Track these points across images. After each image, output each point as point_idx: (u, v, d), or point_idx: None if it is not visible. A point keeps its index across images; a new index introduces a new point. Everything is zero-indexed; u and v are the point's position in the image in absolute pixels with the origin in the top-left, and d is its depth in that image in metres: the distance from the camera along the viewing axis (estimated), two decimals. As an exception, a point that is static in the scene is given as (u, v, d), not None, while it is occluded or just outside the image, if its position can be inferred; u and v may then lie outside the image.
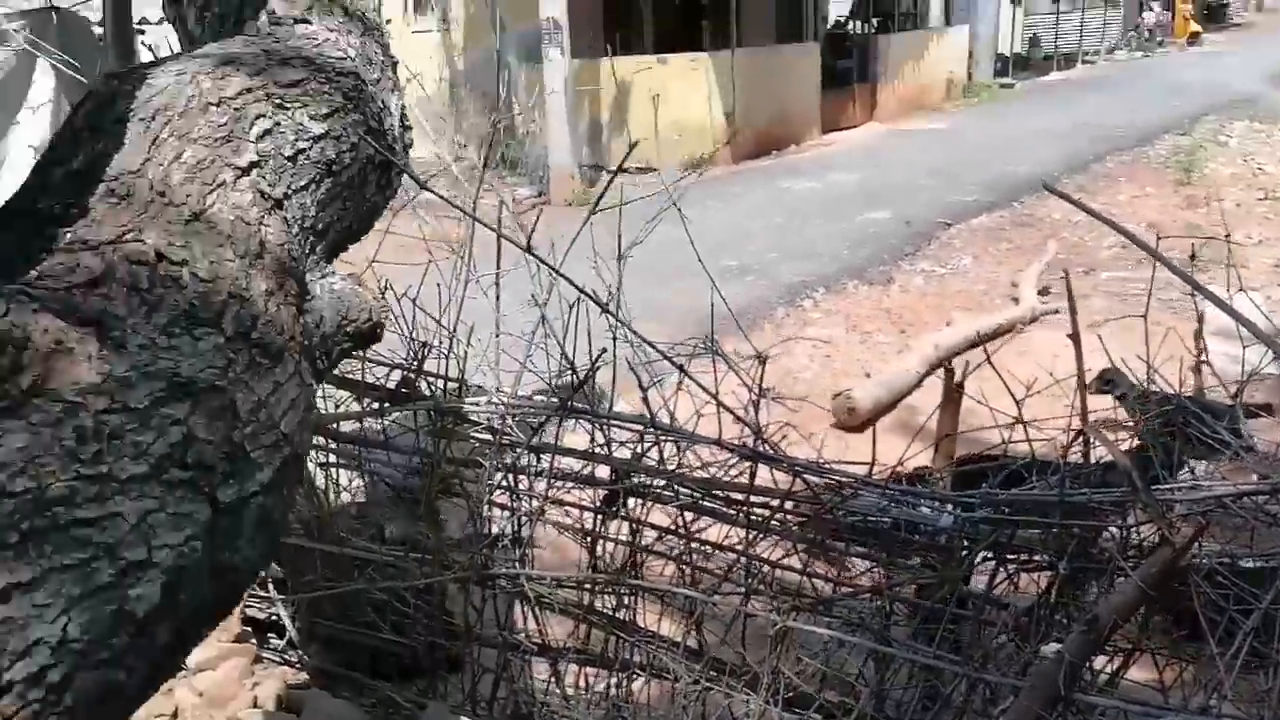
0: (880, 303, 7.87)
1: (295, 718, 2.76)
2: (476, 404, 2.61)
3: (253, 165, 1.59)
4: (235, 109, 1.64)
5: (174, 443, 1.17)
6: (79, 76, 5.39)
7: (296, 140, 1.72)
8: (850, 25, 20.69)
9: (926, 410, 3.74)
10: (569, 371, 2.56)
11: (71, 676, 1.00)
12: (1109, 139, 14.23)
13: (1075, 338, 2.21)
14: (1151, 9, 31.25)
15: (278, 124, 1.70)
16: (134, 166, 1.45)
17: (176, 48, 2.29)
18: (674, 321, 4.89)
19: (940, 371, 4.50)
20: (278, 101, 1.73)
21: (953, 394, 2.92)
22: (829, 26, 20.89)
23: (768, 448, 2.39)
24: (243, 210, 1.51)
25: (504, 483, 2.71)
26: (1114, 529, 2.26)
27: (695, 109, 14.58)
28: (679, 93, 14.49)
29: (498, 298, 2.73)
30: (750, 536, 2.55)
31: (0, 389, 1.06)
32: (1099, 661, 2.18)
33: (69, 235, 1.33)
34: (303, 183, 1.71)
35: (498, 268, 2.69)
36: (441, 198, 2.37)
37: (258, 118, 1.66)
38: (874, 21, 20.24)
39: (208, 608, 1.21)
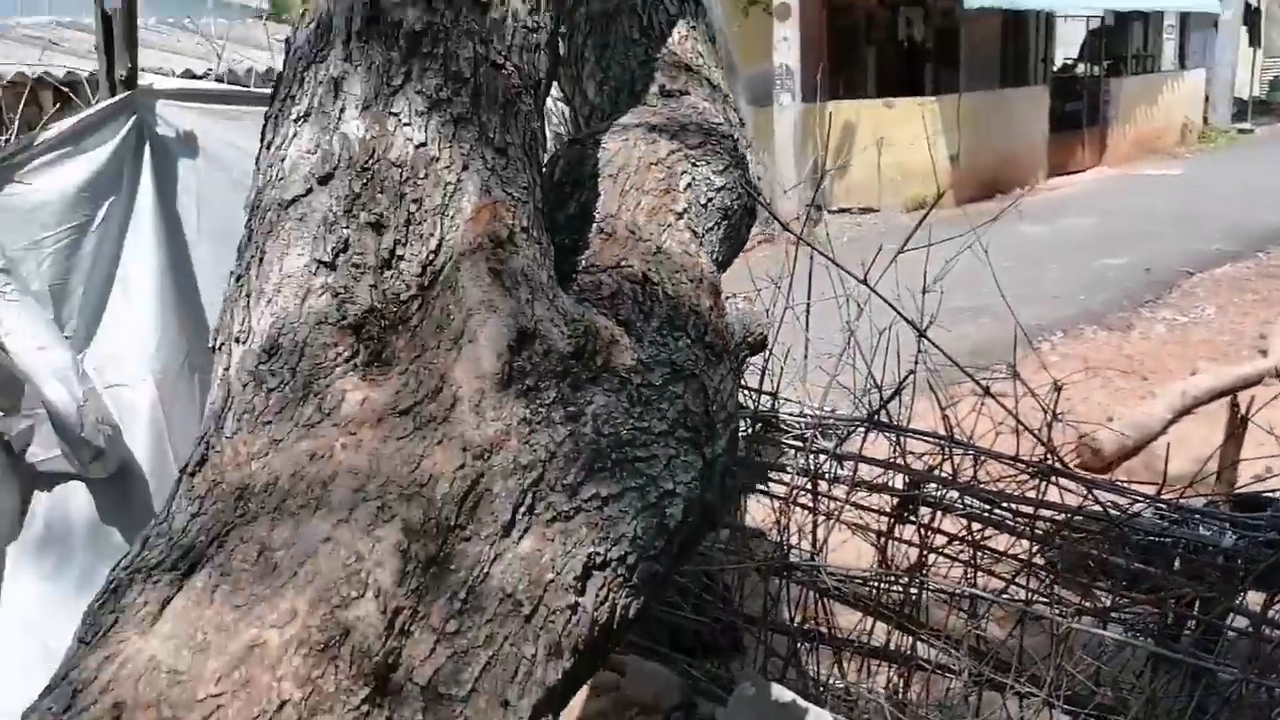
0: (1120, 349, 7.84)
1: (619, 676, 3.22)
2: (790, 415, 3.01)
3: (685, 211, 2.06)
4: (668, 167, 2.12)
5: (679, 411, 1.62)
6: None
7: (707, 190, 2.18)
8: (1078, 68, 20.23)
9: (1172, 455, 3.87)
10: (875, 389, 2.93)
11: (636, 563, 1.45)
12: (1365, 188, 13.43)
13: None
14: None
15: (694, 179, 2.17)
16: (612, 211, 1.95)
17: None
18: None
19: (1195, 411, 4.58)
20: (692, 160, 2.20)
21: (1236, 427, 3.10)
22: (1056, 69, 20.51)
23: (1060, 466, 2.68)
24: (685, 244, 1.98)
25: (807, 485, 3.09)
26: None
27: (919, 151, 14.68)
28: (903, 135, 14.67)
29: (807, 321, 3.14)
30: (1036, 549, 2.84)
31: (586, 364, 1.53)
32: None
33: (583, 261, 1.82)
34: (710, 224, 2.17)
35: (809, 295, 3.10)
36: (785, 227, 2.81)
37: (683, 173, 2.14)
38: (1103, 64, 19.73)
39: (698, 531, 1.66)
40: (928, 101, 14.97)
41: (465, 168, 1.43)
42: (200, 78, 7.11)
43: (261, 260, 1.34)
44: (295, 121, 1.41)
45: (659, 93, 2.56)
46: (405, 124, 1.41)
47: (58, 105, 4.38)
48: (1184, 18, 22.32)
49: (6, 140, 2.98)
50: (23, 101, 4.02)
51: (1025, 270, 10.36)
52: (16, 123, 3.23)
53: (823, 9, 15.68)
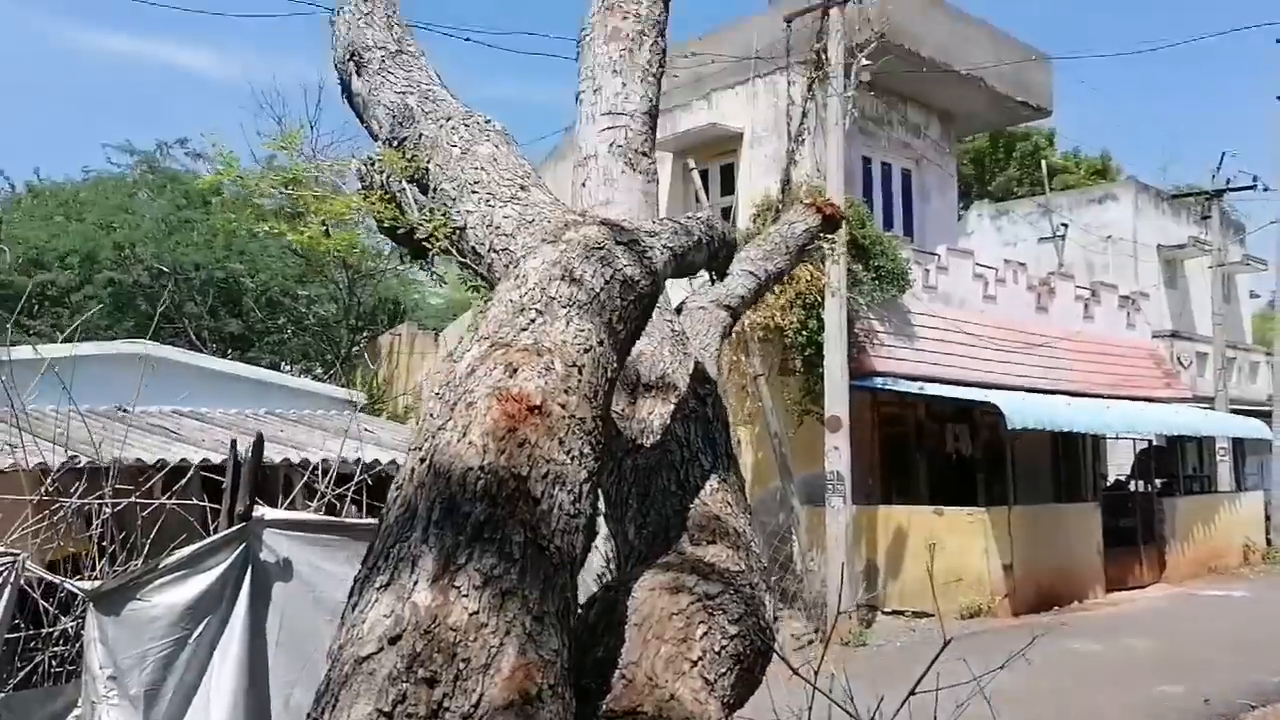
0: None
1: None
2: None
3: (699, 659, 2.35)
4: (686, 617, 2.44)
5: None
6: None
7: (721, 639, 2.48)
8: (1130, 484, 20.65)
9: None
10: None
11: None
12: None
13: None
14: None
15: (710, 628, 2.47)
16: (634, 659, 2.25)
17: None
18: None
19: None
20: (709, 610, 2.52)
21: None
22: (1108, 486, 20.94)
23: None
24: (696, 692, 2.25)
25: None
26: None
27: (972, 559, 14.86)
28: (955, 543, 14.92)
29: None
30: None
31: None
32: None
33: (605, 705, 2.10)
34: (723, 670, 2.44)
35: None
36: (792, 669, 3.04)
37: (700, 623, 2.45)
38: (1157, 482, 20.13)
39: None
40: (978, 512, 15.33)
41: (508, 633, 1.77)
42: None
43: (334, 707, 1.66)
44: (377, 589, 1.79)
45: (689, 540, 2.93)
46: (464, 595, 1.77)
47: (169, 493, 4.92)
48: (1237, 441, 22.91)
49: (134, 562, 3.43)
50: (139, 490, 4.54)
51: (1081, 694, 10.13)
52: (146, 545, 3.71)
53: (874, 421, 16.57)
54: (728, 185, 18.24)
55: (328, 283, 20.46)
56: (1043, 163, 31.82)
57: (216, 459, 9.02)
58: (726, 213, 17.72)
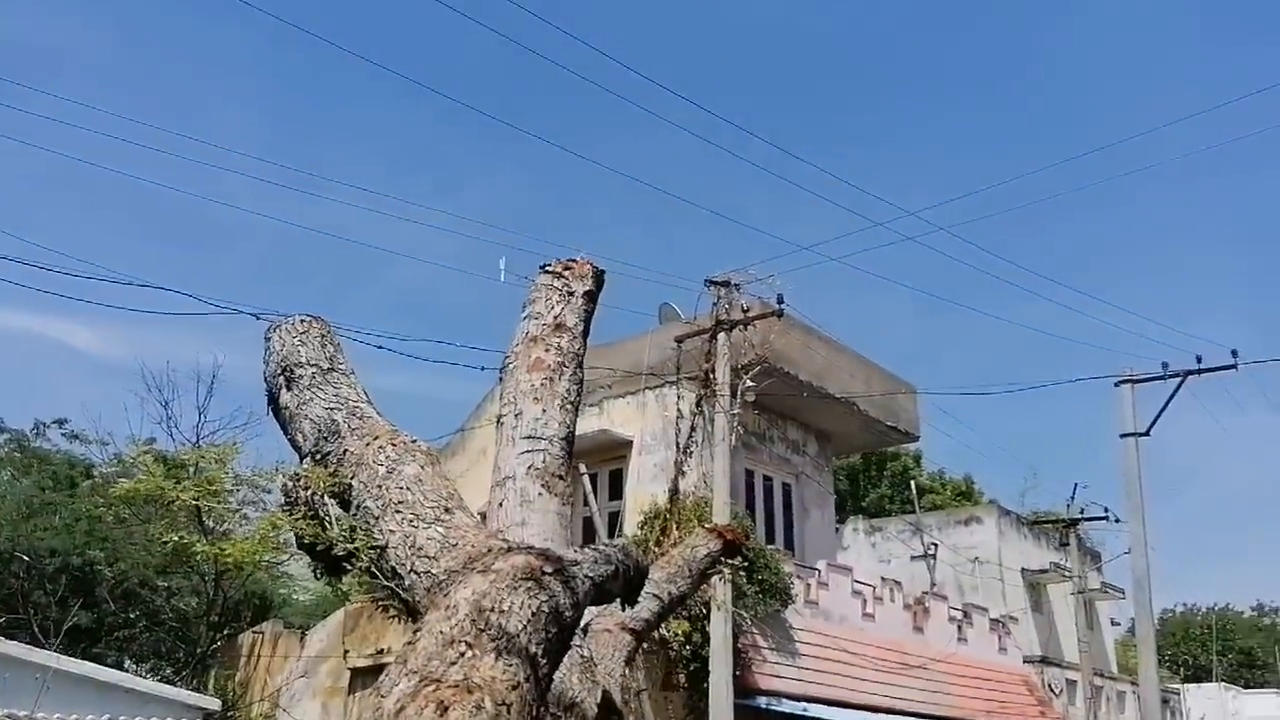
0: None
1: None
2: None
3: None
4: None
5: None
6: None
7: None
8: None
9: None
10: None
11: None
12: None
13: None
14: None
15: None
16: None
17: None
18: None
19: None
20: None
21: None
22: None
23: None
24: None
25: None
26: None
27: None
28: None
29: None
30: None
31: None
32: None
33: None
34: None
35: None
36: None
37: None
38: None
39: None
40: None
41: None
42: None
43: None
44: None
45: None
46: None
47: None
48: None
49: None
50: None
51: None
52: None
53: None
54: (616, 490, 18.50)
55: (192, 574, 19.46)
56: (912, 483, 33.27)
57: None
58: (614, 517, 17.85)
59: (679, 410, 17.40)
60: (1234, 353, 19.60)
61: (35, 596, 17.84)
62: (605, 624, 4.29)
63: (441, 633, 2.38)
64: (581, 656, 3.61)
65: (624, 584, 3.55)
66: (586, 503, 17.86)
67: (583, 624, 4.10)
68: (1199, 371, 19.74)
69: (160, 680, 15.67)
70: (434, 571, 2.99)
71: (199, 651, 18.58)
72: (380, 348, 12.63)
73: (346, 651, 16.99)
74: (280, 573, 22.77)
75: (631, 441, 18.25)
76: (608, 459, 18.57)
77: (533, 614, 2.54)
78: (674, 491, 16.73)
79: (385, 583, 3.20)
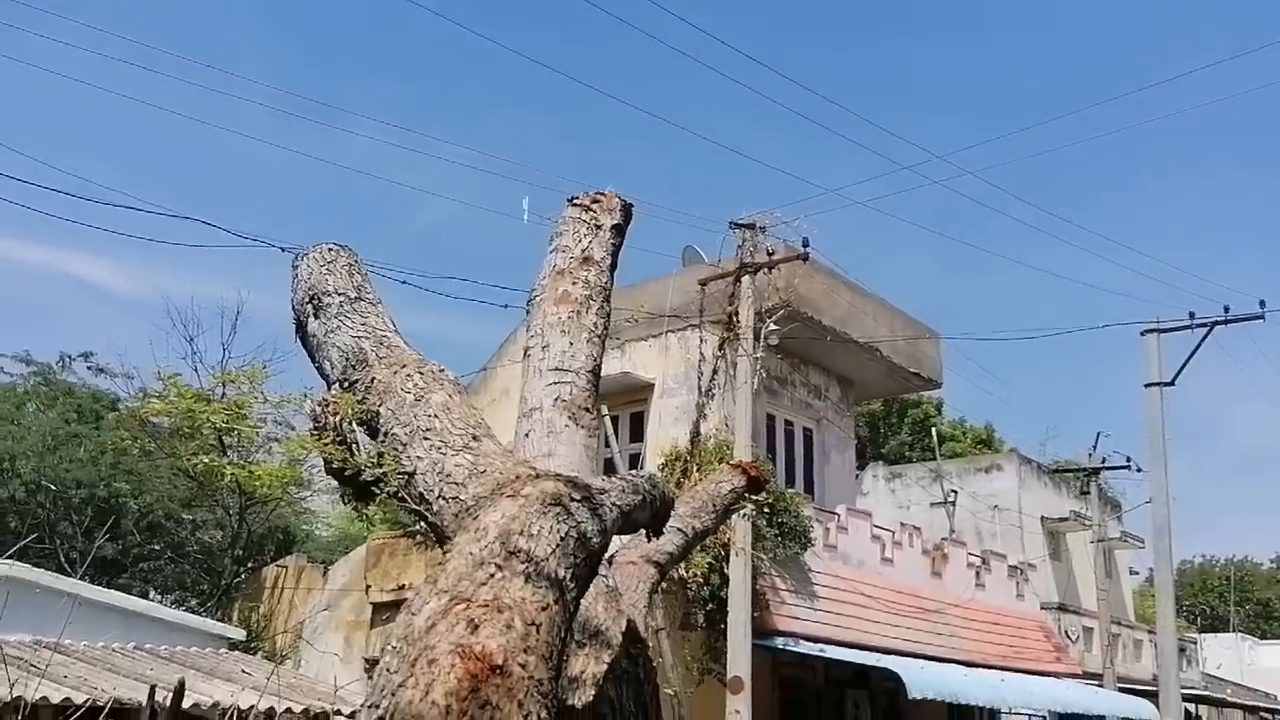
0: None
1: None
2: None
3: None
4: None
5: None
6: None
7: None
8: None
9: None
10: None
11: None
12: None
13: None
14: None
15: None
16: None
17: None
18: None
19: None
20: None
21: None
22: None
23: None
24: None
25: None
26: None
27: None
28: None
29: None
30: None
31: None
32: None
33: None
34: None
35: None
36: None
37: None
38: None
39: None
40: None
41: None
42: None
43: None
44: None
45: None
46: None
47: None
48: None
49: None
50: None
51: None
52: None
53: (774, 684, 16.27)
54: (637, 432, 18.54)
55: (216, 507, 19.72)
56: (933, 430, 33.21)
57: (79, 699, 8.34)
58: (635, 459, 17.91)
59: (701, 354, 17.35)
60: (1262, 303, 19.36)
61: (61, 527, 18.14)
62: (630, 555, 4.29)
63: (471, 554, 2.37)
64: (607, 586, 3.61)
65: (651, 515, 3.54)
66: (608, 444, 17.91)
67: (607, 555, 4.11)
68: (1226, 321, 19.53)
69: (185, 611, 15.95)
70: (462, 498, 2.99)
71: (223, 584, 18.89)
72: (405, 283, 12.58)
73: (369, 586, 17.22)
74: (304, 508, 23.04)
75: (653, 384, 18.25)
76: (629, 401, 18.59)
77: (561, 539, 2.53)
78: (695, 434, 16.75)
79: (413, 508, 3.20)
